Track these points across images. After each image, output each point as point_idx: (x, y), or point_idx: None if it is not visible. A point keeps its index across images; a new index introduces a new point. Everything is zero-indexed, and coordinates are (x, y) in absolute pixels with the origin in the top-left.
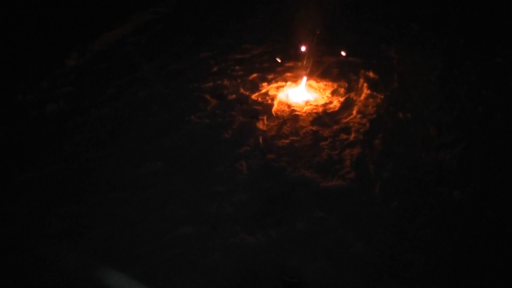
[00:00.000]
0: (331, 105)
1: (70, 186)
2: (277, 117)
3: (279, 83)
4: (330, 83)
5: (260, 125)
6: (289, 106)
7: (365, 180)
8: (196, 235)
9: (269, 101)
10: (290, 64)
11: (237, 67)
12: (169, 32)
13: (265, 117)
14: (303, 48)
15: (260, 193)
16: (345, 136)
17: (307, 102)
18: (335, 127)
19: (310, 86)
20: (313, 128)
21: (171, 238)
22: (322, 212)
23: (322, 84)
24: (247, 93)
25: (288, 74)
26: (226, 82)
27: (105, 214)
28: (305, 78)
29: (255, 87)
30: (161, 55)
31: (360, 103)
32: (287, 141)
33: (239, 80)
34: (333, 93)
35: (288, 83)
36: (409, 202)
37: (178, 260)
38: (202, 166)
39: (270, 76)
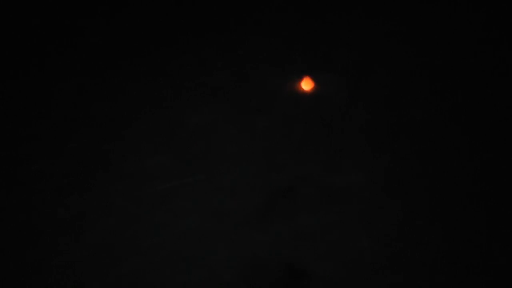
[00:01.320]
0: (338, 100)
1: (77, 178)
2: (283, 112)
3: (286, 78)
4: (337, 78)
5: (265, 120)
6: (295, 100)
7: (370, 176)
8: (201, 229)
9: (275, 96)
10: (297, 57)
11: (241, 62)
12: (172, 27)
13: (270, 112)
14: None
15: (265, 188)
16: (351, 132)
17: (313, 97)
18: (341, 122)
19: (317, 80)
20: (319, 123)
21: (176, 231)
22: (327, 208)
23: (329, 79)
24: (252, 89)
25: (295, 68)
26: (230, 77)
27: (111, 206)
28: (311, 72)
29: (261, 83)
30: (165, 50)
31: (367, 99)
32: (293, 136)
33: (243, 76)
34: (340, 88)
35: (295, 77)
36: (414, 199)
37: (183, 253)
38: (207, 159)
39: (277, 71)
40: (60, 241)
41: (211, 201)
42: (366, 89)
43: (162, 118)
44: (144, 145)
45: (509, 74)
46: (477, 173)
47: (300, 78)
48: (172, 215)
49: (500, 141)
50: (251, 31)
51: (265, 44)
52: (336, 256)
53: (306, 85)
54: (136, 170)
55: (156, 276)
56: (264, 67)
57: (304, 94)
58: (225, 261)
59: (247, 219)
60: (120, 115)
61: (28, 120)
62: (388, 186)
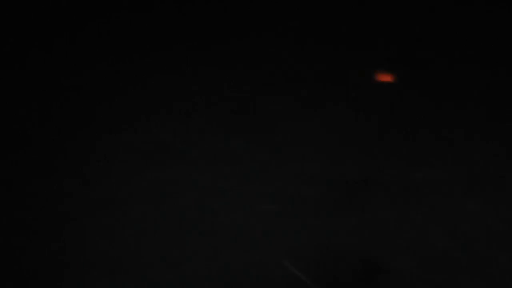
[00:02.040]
0: (417, 92)
1: (127, 160)
2: (362, 102)
3: (366, 66)
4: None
5: (345, 110)
6: (375, 90)
7: (455, 170)
8: (276, 214)
9: (355, 86)
10: (376, 47)
11: (321, 51)
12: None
13: (350, 102)
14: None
15: (343, 178)
16: (433, 125)
17: (393, 88)
18: (423, 115)
19: (396, 72)
20: (399, 115)
21: (250, 214)
22: (407, 203)
23: (408, 71)
24: (332, 77)
25: (375, 58)
26: (307, 66)
27: (192, 182)
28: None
29: (340, 72)
30: (197, 36)
31: (452, 92)
32: (373, 127)
33: (322, 64)
34: (422, 80)
35: (375, 67)
36: (499, 196)
37: (256, 236)
38: (285, 145)
39: (356, 59)
40: (97, 226)
41: (287, 187)
42: (453, 83)
43: (237, 103)
44: (221, 129)
45: None
46: None
47: (379, 69)
48: (247, 198)
49: None
50: (283, 15)
51: (341, 33)
52: (413, 253)
53: (385, 76)
54: (216, 152)
55: (228, 258)
56: (342, 56)
57: (383, 84)
58: (296, 249)
59: (323, 208)
60: (191, 97)
61: (70, 99)
62: (471, 183)
